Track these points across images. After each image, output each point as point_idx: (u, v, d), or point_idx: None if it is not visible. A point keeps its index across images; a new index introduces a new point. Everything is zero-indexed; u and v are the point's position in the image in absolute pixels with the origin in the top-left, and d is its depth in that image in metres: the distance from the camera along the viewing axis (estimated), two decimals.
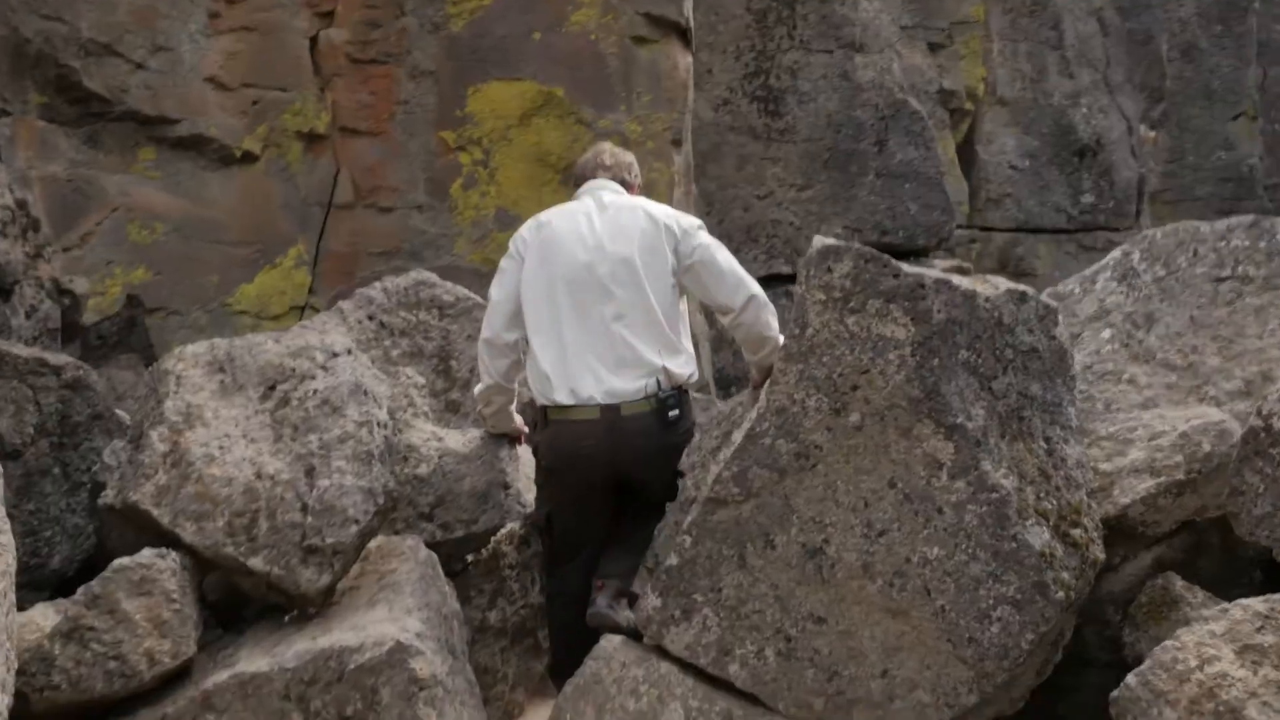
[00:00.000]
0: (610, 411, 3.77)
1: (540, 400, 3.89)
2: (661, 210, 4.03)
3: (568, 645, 3.98)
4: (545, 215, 4.07)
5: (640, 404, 3.77)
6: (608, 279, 3.79)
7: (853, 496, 3.36)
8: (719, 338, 8.20)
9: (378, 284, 4.85)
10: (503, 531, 4.08)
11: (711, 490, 3.51)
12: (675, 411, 3.84)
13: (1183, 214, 13.05)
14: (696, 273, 3.85)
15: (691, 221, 3.98)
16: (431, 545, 3.86)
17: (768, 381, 3.55)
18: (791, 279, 8.47)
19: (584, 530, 3.99)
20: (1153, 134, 11.90)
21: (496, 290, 4.00)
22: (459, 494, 3.94)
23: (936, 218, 8.67)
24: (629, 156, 4.27)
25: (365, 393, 3.68)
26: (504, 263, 4.06)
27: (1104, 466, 3.58)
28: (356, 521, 3.43)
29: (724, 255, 3.89)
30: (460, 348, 4.76)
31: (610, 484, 3.93)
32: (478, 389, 4.09)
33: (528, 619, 4.37)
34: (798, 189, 8.64)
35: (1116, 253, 4.33)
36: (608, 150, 4.23)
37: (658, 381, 3.80)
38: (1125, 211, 11.06)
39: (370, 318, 4.70)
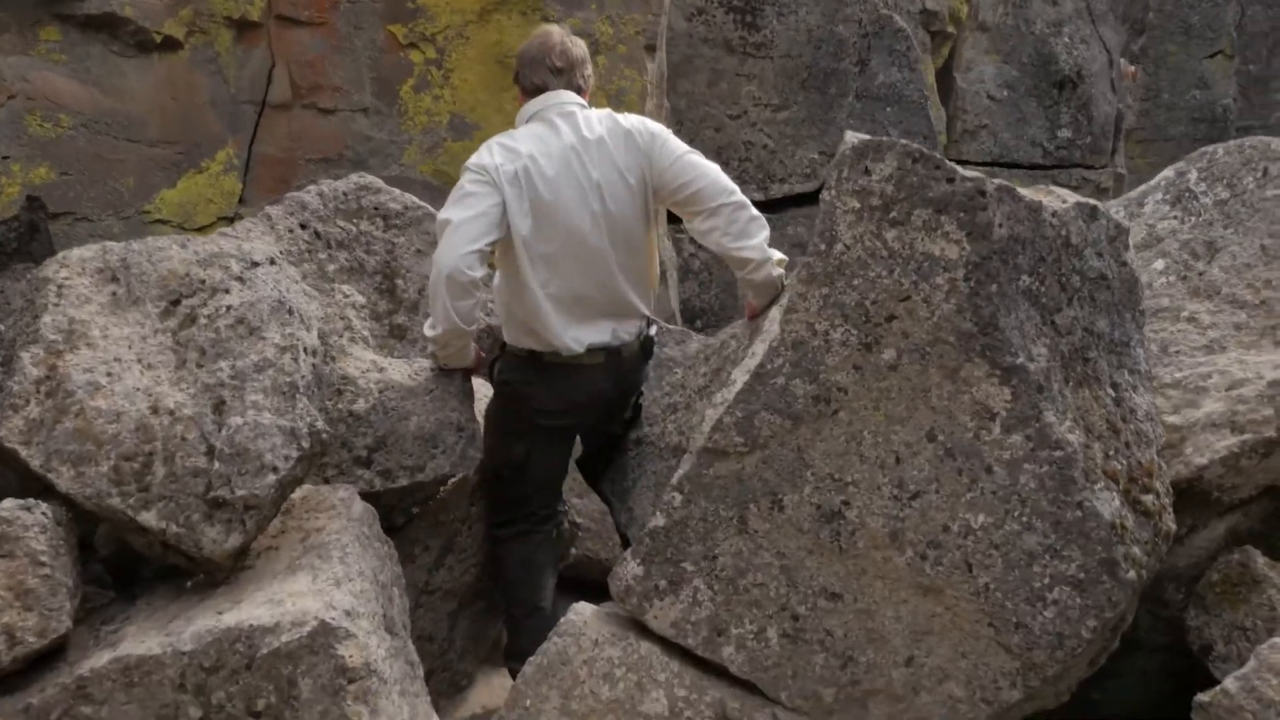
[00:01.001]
0: (614, 356, 3.51)
1: (533, 347, 3.47)
2: (632, 124, 3.54)
3: (524, 599, 3.56)
4: (520, 145, 3.43)
5: (634, 344, 3.59)
6: (611, 235, 3.43)
7: (881, 450, 2.71)
8: (685, 267, 7.51)
9: (313, 187, 4.10)
10: (453, 480, 3.39)
11: (709, 439, 2.84)
12: (654, 345, 3.76)
13: (1154, 154, 12.50)
14: (676, 173, 3.44)
15: (659, 126, 3.57)
16: (369, 496, 3.17)
17: (781, 308, 2.88)
18: (765, 206, 7.79)
19: (559, 468, 3.68)
20: (1132, 68, 11.29)
21: (460, 214, 3.33)
22: (403, 436, 3.23)
23: (920, 145, 7.99)
24: (580, 49, 3.63)
25: (290, 311, 2.96)
26: (470, 186, 3.39)
27: (1172, 419, 2.96)
28: (275, 469, 2.73)
29: (684, 148, 3.57)
30: (408, 264, 4.03)
31: (597, 422, 3.70)
32: (431, 332, 3.45)
33: (480, 578, 3.71)
34: (773, 109, 7.90)
35: (1169, 172, 3.69)
36: (557, 47, 3.54)
37: (647, 320, 3.67)
38: (1101, 149, 10.45)
39: (303, 226, 3.96)
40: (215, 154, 5.74)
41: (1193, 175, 3.56)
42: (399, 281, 4.00)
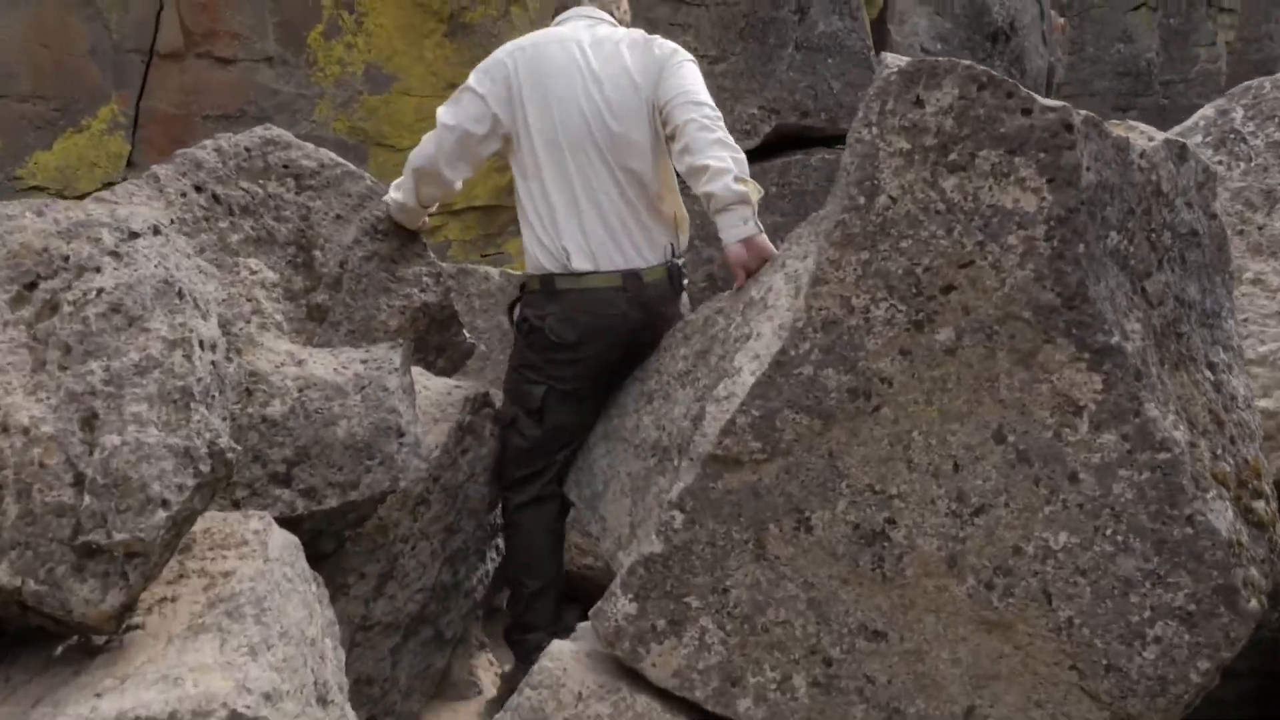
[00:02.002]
0: (633, 279, 3.14)
1: (547, 266, 3.17)
2: (657, 39, 3.25)
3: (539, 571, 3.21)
4: (524, 39, 3.31)
5: (659, 270, 3.19)
6: (612, 132, 3.13)
7: (936, 455, 2.13)
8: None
9: (209, 143, 3.37)
10: (393, 496, 2.73)
11: (717, 445, 2.23)
12: (686, 280, 3.33)
13: (1081, 108, 12.14)
14: (668, 86, 3.11)
15: (686, 54, 3.24)
16: (290, 522, 2.50)
17: (785, 276, 2.29)
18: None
19: (580, 422, 3.21)
20: (1062, 20, 10.85)
21: (450, 115, 3.28)
22: (329, 444, 2.57)
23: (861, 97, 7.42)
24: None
25: (181, 295, 2.27)
26: (471, 85, 3.27)
27: (1264, 404, 2.42)
28: (165, 503, 2.05)
29: (692, 72, 3.17)
30: (326, 232, 3.34)
31: (621, 365, 3.20)
32: (392, 199, 3.36)
33: (427, 604, 3.06)
34: (710, 61, 7.24)
35: (1209, 110, 3.14)
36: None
37: (671, 246, 3.25)
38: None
39: (198, 189, 3.25)
40: (97, 111, 4.97)
41: (1237, 114, 3.02)
42: (316, 253, 3.31)
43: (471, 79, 3.26)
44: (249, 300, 2.75)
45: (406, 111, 5.39)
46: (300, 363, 2.66)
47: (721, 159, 3.00)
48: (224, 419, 2.26)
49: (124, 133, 4.97)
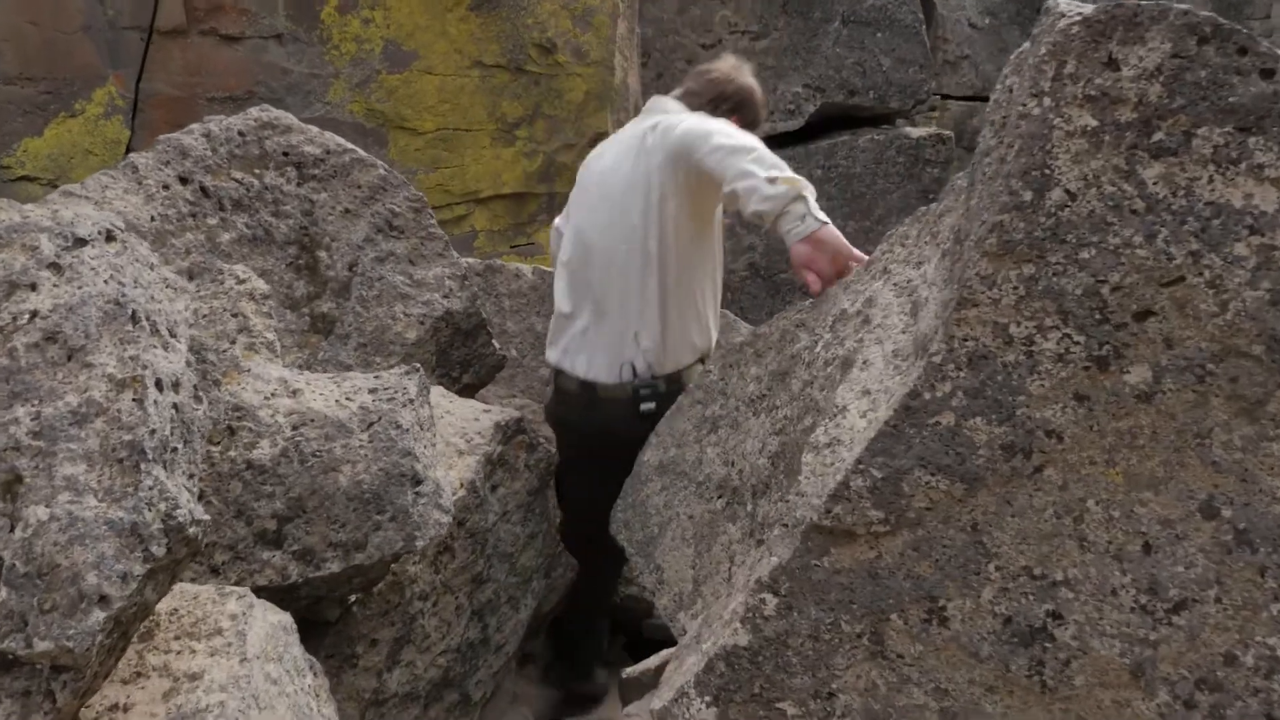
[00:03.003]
0: (589, 388, 2.87)
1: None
2: (656, 120, 2.85)
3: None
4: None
5: (614, 388, 2.85)
6: (604, 251, 2.85)
7: (1119, 532, 1.57)
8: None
9: (198, 127, 2.84)
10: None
11: (824, 513, 1.68)
12: (650, 405, 2.83)
13: None
14: (669, 147, 2.71)
15: (676, 118, 2.79)
16: (281, 593, 1.97)
17: (898, 290, 1.72)
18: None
19: (588, 504, 2.78)
20: None
21: None
22: (330, 495, 2.03)
23: (913, 75, 6.80)
24: (722, 68, 3.04)
25: (136, 319, 1.73)
26: None
27: None
28: (103, 600, 1.51)
29: (691, 123, 2.70)
30: (333, 229, 2.80)
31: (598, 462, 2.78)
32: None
33: (451, 666, 2.53)
34: (751, 38, 6.67)
35: None
36: (707, 65, 3.13)
37: (632, 367, 2.86)
38: None
39: (184, 180, 2.71)
40: (92, 93, 4.43)
41: None
42: (322, 254, 2.77)
43: None
44: (234, 315, 2.20)
45: (428, 92, 4.83)
46: (295, 393, 2.11)
47: (744, 171, 2.52)
48: (190, 477, 1.72)
49: (122, 117, 4.44)
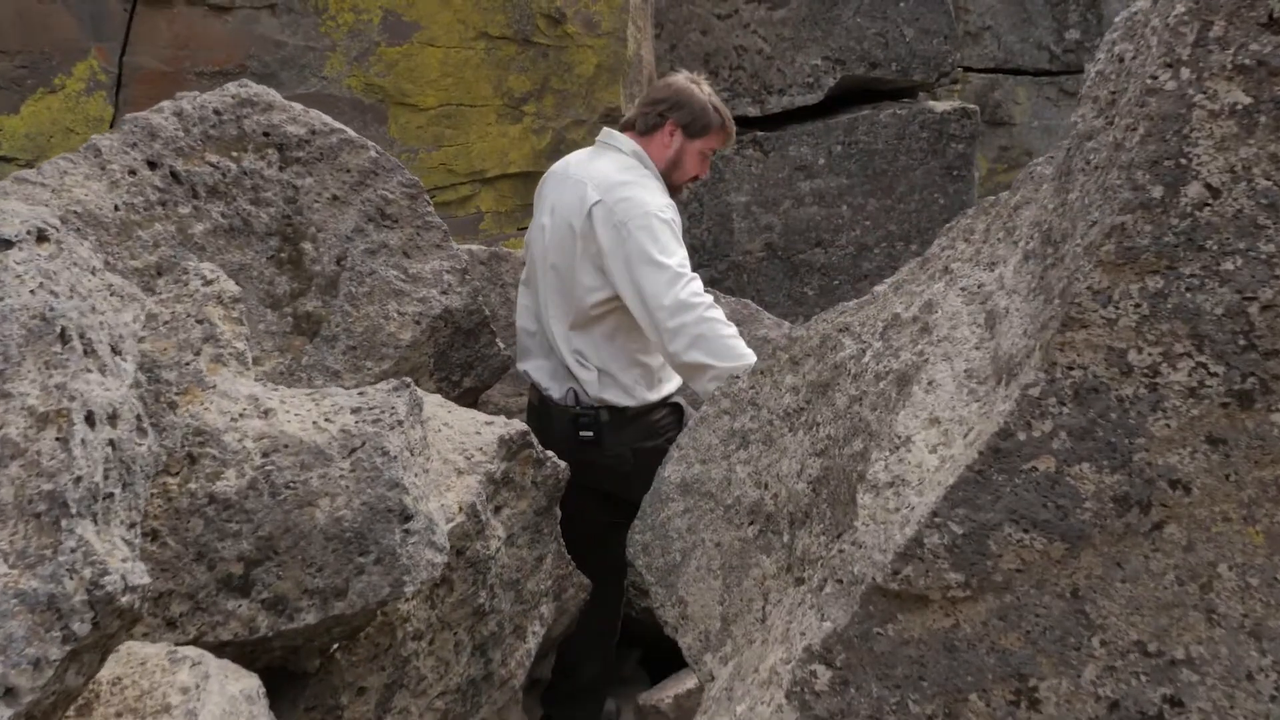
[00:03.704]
0: (542, 404, 2.89)
1: None
2: (598, 179, 2.79)
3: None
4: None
5: (563, 408, 2.84)
6: (546, 259, 2.82)
7: (1259, 603, 1.26)
8: None
9: (169, 104, 2.53)
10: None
11: (891, 573, 1.38)
12: (589, 433, 2.81)
13: None
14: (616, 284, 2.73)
15: (615, 179, 2.78)
16: (248, 648, 1.68)
17: (1064, 325, 1.39)
18: (759, 123, 6.25)
19: (576, 528, 2.69)
20: None
21: None
22: (305, 534, 1.73)
23: (937, 46, 6.44)
24: (664, 90, 2.96)
25: (66, 337, 1.42)
26: None
27: None
28: (11, 693, 1.21)
29: (637, 247, 2.67)
30: (319, 218, 2.50)
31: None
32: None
33: (450, 708, 2.24)
34: (768, 7, 6.30)
35: None
36: (660, 86, 3.04)
37: (575, 393, 2.83)
38: None
39: (152, 164, 2.40)
40: (73, 67, 4.12)
41: None
42: (306, 246, 2.46)
43: None
44: (200, 322, 1.89)
45: (430, 65, 4.50)
46: (267, 413, 1.81)
47: (695, 372, 2.66)
48: (130, 527, 1.42)
49: (105, 93, 4.12)
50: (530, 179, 4.76)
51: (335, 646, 1.92)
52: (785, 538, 2.05)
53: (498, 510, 2.28)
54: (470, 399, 2.69)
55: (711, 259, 6.19)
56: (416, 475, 1.80)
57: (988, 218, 1.83)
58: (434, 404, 2.30)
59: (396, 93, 4.50)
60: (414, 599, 2.05)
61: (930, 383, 1.60)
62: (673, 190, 2.92)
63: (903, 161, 6.43)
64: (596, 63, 4.70)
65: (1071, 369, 1.27)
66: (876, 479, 1.53)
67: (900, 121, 6.38)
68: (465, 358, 2.61)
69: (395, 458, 1.76)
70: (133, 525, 1.41)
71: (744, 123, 6.13)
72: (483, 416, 2.33)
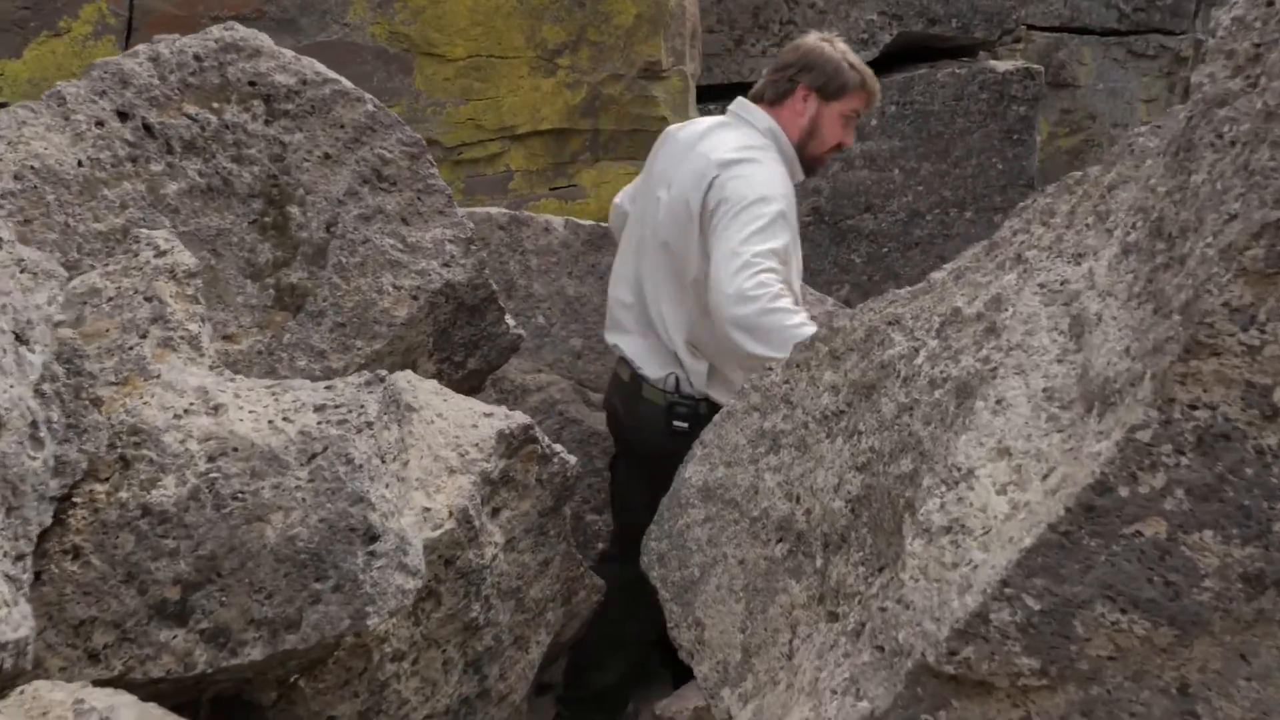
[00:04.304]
0: (631, 381, 2.62)
1: None
2: (718, 159, 2.52)
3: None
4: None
5: (656, 391, 2.58)
6: (656, 235, 2.59)
7: None
8: None
9: (143, 49, 2.25)
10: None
11: (946, 653, 1.09)
12: (683, 424, 2.54)
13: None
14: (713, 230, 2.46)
15: (734, 156, 2.50)
16: (184, 685, 1.42)
17: (1186, 351, 1.07)
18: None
19: (627, 510, 2.75)
20: None
21: None
22: (254, 554, 1.45)
23: (1001, 2, 6.03)
24: (792, 53, 2.73)
25: None
26: None
27: None
28: None
29: (725, 231, 2.41)
30: (309, 179, 2.21)
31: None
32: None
33: None
34: None
35: None
36: (787, 49, 2.82)
37: (675, 379, 2.57)
38: (1183, 10, 8.43)
39: (123, 115, 2.13)
40: (80, 9, 3.85)
41: None
42: (293, 210, 2.19)
43: None
44: (148, 300, 1.62)
45: (459, 12, 4.19)
46: (216, 409, 1.54)
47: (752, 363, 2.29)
48: (17, 560, 1.16)
49: (115, 37, 3.86)
50: (563, 136, 4.45)
51: (300, 674, 1.66)
52: (818, 562, 1.76)
53: (495, 513, 2.01)
54: (476, 380, 2.41)
55: None
56: (387, 486, 1.52)
57: (1072, 198, 1.51)
58: (428, 391, 2.03)
59: (423, 42, 4.20)
60: (393, 617, 1.78)
61: (999, 401, 1.29)
62: (814, 163, 2.72)
63: (960, 124, 6.04)
64: (636, 13, 4.36)
65: (1195, 408, 0.96)
66: (930, 520, 1.23)
67: (959, 81, 5.98)
68: (469, 336, 2.33)
69: (361, 467, 1.48)
70: (20, 558, 1.15)
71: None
72: (481, 407, 2.04)
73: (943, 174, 6.05)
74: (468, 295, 2.26)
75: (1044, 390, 1.25)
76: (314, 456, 1.48)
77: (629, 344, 2.63)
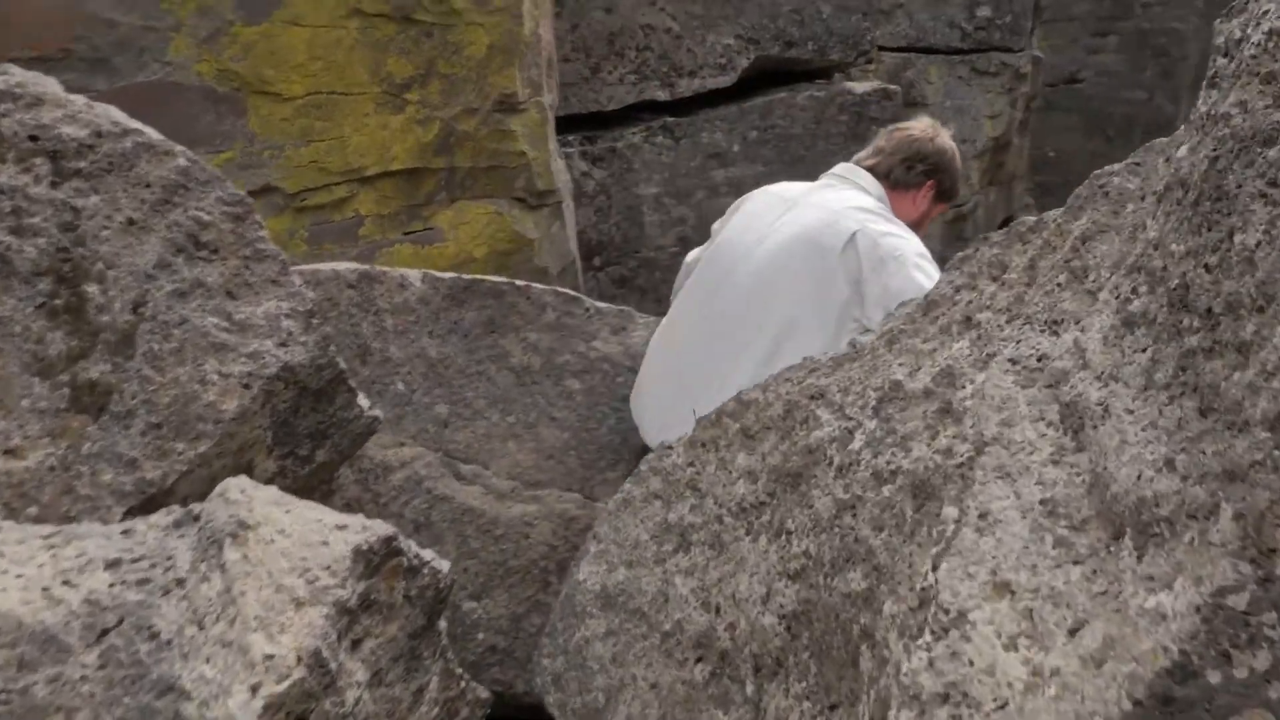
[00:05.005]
0: None
1: None
2: (852, 208, 2.42)
3: None
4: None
5: None
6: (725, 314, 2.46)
7: None
8: (577, 188, 5.32)
9: None
10: None
11: None
12: None
13: (1057, 35, 10.67)
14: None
15: (883, 227, 2.38)
16: None
17: (1256, 487, 0.81)
18: (669, 108, 5.64)
19: None
20: None
21: None
22: None
23: (856, 23, 5.90)
24: (919, 126, 2.70)
25: None
26: None
27: None
28: None
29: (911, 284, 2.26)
30: (110, 250, 1.82)
31: None
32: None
33: None
34: None
35: None
36: (901, 123, 2.77)
37: None
38: (1020, 29, 8.57)
39: None
40: None
41: None
42: (91, 289, 1.79)
43: None
44: None
45: (295, 46, 3.80)
46: None
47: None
48: None
49: None
50: (416, 176, 4.09)
51: None
52: (748, 689, 1.45)
53: (356, 645, 1.64)
54: (327, 474, 2.04)
55: (621, 255, 5.58)
56: (208, 661, 1.16)
57: (1028, 248, 1.25)
58: (267, 502, 1.65)
59: (256, 80, 3.79)
60: None
61: (983, 515, 1.02)
62: None
63: (821, 146, 5.89)
64: (489, 43, 4.04)
65: None
66: (917, 683, 0.94)
67: (818, 104, 5.83)
68: (316, 425, 1.96)
69: (169, 642, 1.12)
70: None
71: (653, 108, 5.53)
72: (333, 518, 1.68)
73: None
74: (311, 378, 1.90)
75: (1042, 503, 0.98)
76: (105, 633, 1.11)
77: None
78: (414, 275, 2.77)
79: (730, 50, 5.69)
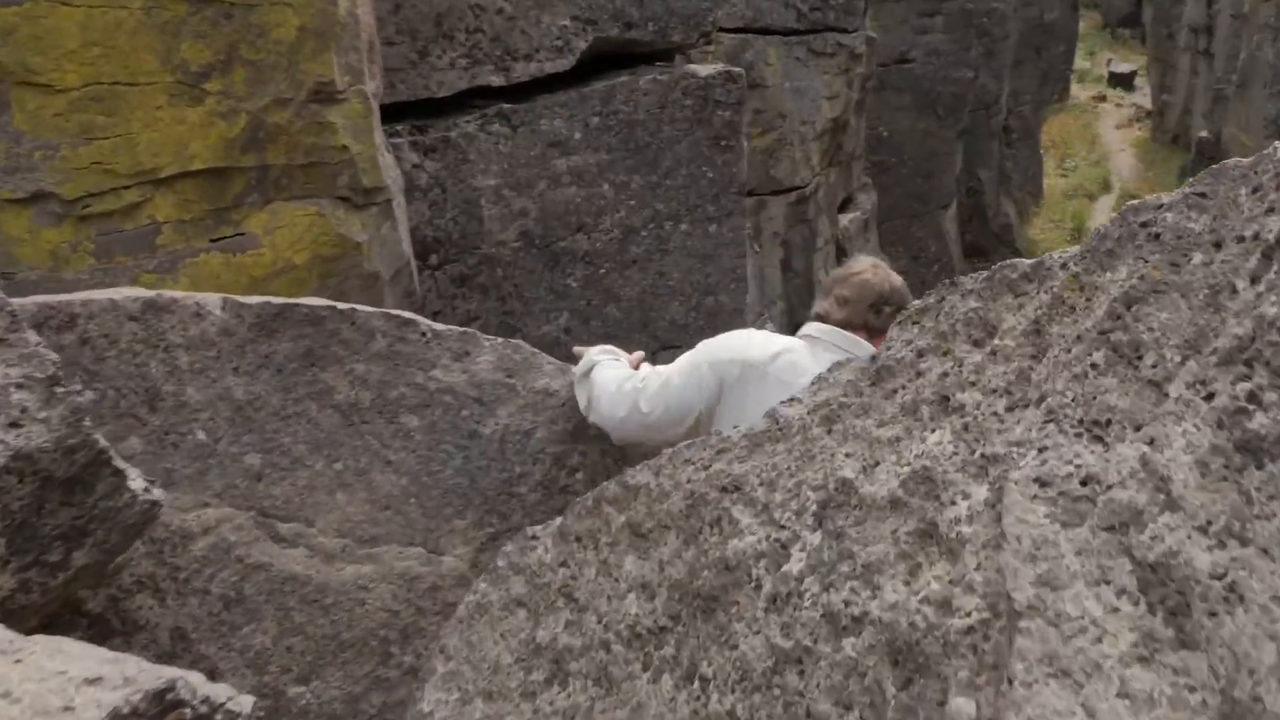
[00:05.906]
0: None
1: None
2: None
3: None
4: (772, 347, 2.44)
5: None
6: None
7: None
8: (409, 183, 4.82)
9: None
10: None
11: None
12: None
13: (886, 15, 10.61)
14: None
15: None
16: None
17: None
18: (504, 94, 5.18)
19: None
20: None
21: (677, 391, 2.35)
22: None
23: (696, 3, 5.54)
24: (871, 272, 2.55)
25: None
26: (696, 370, 2.38)
27: None
28: None
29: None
30: None
31: None
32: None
33: None
34: None
35: None
36: (847, 270, 2.62)
37: None
38: (855, 9, 8.41)
39: None
40: None
41: None
42: None
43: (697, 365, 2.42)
44: None
45: (67, 30, 3.20)
46: None
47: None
48: None
49: None
50: (222, 176, 3.54)
51: None
52: None
53: None
54: (90, 582, 1.56)
55: (460, 252, 5.11)
56: None
57: (1026, 304, 0.90)
58: None
59: (20, 69, 3.18)
60: None
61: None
62: None
63: (666, 132, 5.54)
64: (299, 25, 3.52)
65: None
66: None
67: (662, 88, 5.47)
68: (70, 522, 1.47)
69: None
70: None
71: (487, 94, 5.07)
72: (81, 668, 1.21)
73: (654, 186, 5.53)
74: (57, 465, 1.41)
75: (1127, 710, 0.62)
76: None
77: None
78: (213, 302, 2.28)
79: (567, 32, 5.27)
